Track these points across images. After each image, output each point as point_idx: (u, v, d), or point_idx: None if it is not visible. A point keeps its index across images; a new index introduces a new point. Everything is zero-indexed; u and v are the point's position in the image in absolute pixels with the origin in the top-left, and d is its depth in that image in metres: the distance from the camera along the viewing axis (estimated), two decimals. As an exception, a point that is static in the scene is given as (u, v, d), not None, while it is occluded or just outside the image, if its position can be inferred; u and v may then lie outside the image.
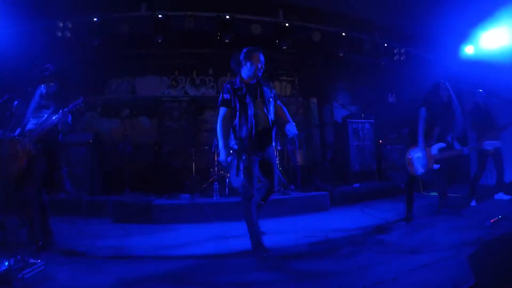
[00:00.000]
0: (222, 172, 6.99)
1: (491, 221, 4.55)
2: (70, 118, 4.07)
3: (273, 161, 4.13)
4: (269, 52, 8.71)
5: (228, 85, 3.99)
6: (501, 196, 6.51)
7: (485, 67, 8.01)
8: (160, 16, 7.57)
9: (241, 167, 3.89)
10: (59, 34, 7.36)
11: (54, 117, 3.97)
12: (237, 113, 3.91)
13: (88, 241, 4.60)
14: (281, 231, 5.09)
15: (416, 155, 5.28)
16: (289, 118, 4.20)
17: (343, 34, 8.73)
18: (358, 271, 3.24)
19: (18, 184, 3.97)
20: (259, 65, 4.00)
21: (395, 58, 9.43)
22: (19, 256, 3.11)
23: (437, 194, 5.62)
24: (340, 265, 3.46)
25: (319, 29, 8.49)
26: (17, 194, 4.08)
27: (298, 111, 10.05)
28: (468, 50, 8.70)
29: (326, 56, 9.21)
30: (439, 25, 7.83)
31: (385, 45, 9.29)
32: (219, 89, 9.65)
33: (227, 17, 7.78)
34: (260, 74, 4.02)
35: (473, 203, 6.24)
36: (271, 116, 4.01)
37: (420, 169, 5.24)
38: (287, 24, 8.19)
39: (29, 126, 4.08)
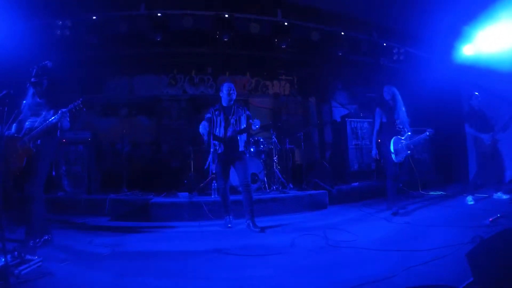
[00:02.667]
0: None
1: (490, 219, 4.54)
2: (68, 118, 4.07)
3: (241, 162, 5.26)
4: (267, 51, 8.89)
5: (211, 108, 5.44)
6: (500, 195, 6.51)
7: (483, 67, 8.01)
8: (159, 14, 7.57)
9: (215, 165, 5.28)
10: (58, 32, 7.36)
11: (53, 117, 3.97)
12: (214, 126, 5.31)
13: (86, 239, 4.59)
14: (279, 229, 5.11)
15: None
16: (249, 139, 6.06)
17: (342, 33, 8.72)
18: (356, 269, 3.24)
19: (17, 181, 3.97)
20: (229, 94, 5.36)
21: (394, 58, 9.42)
22: (16, 253, 3.11)
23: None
24: (337, 262, 3.46)
25: (318, 29, 8.48)
26: (15, 192, 4.09)
27: (296, 110, 10.06)
28: (467, 50, 8.70)
29: (324, 55, 9.20)
30: (438, 25, 7.81)
31: (384, 44, 9.29)
32: (217, 87, 9.63)
33: (226, 16, 7.77)
34: (232, 100, 5.38)
35: (472, 202, 6.25)
36: (240, 129, 5.31)
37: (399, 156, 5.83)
38: (286, 24, 8.18)
39: (28, 124, 4.08)
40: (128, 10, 7.64)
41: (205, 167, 5.57)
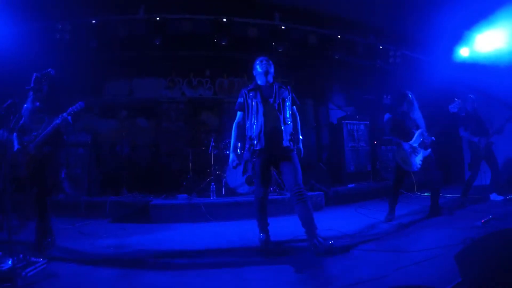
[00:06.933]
0: (219, 172, 7.11)
1: (482, 221, 4.63)
2: (70, 121, 4.14)
3: (288, 162, 4.03)
4: (265, 54, 8.91)
5: (243, 89, 4.26)
6: (494, 196, 6.60)
7: (480, 70, 8.08)
8: (158, 18, 7.66)
9: (251, 167, 4.14)
10: (58, 36, 7.44)
11: (55, 122, 4.04)
12: (249, 114, 4.11)
13: (88, 240, 4.68)
14: (275, 230, 5.16)
15: (409, 151, 5.40)
16: (298, 130, 4.30)
17: (339, 36, 8.82)
18: (348, 269, 3.30)
19: (20, 185, 4.05)
20: (264, 69, 4.13)
21: (390, 60, 9.50)
22: (21, 255, 3.21)
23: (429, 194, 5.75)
24: (330, 262, 3.54)
25: (315, 32, 8.60)
26: (18, 195, 4.17)
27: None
28: (463, 52, 8.76)
29: (321, 58, 9.28)
30: (434, 27, 7.86)
31: (380, 47, 9.37)
32: (216, 90, 9.73)
33: (224, 20, 7.87)
34: (270, 75, 4.15)
35: (466, 203, 6.31)
36: (285, 116, 4.07)
37: (415, 163, 5.38)
38: (283, 27, 8.28)
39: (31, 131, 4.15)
40: (127, 14, 7.73)
41: (242, 174, 4.45)
